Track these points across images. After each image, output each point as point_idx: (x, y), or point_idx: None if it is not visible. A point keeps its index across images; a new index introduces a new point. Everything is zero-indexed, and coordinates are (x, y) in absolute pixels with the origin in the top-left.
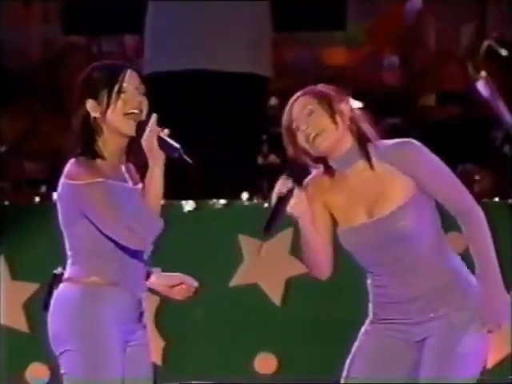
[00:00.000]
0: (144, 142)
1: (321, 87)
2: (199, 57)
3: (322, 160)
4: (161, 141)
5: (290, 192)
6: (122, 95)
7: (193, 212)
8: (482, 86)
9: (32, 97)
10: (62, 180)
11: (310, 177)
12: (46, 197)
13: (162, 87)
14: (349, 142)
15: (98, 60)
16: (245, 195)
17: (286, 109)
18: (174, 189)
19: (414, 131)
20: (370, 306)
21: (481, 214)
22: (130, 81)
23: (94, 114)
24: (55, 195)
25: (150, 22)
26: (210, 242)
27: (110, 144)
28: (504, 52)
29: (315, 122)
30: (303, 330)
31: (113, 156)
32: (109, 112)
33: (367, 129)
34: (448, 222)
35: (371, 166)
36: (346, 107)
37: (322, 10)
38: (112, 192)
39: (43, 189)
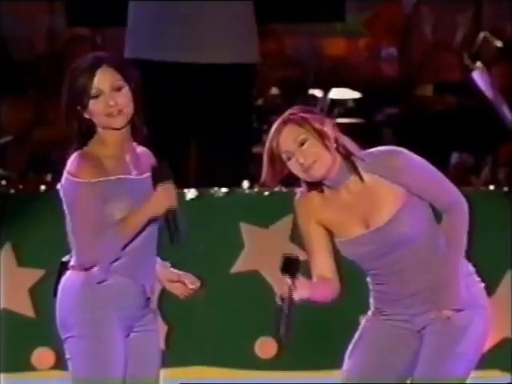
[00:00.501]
0: (160, 189)
1: (300, 112)
2: (183, 50)
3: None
4: (172, 216)
5: (290, 289)
6: (100, 98)
7: (195, 200)
8: (477, 76)
9: (38, 87)
10: (64, 173)
11: (298, 197)
12: (52, 185)
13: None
14: (338, 161)
15: (102, 50)
16: (245, 184)
17: (270, 137)
18: (177, 178)
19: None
20: (371, 300)
21: (465, 207)
22: (104, 80)
23: (85, 116)
24: (60, 185)
25: (133, 7)
26: (212, 229)
27: (107, 138)
28: (499, 43)
29: (310, 152)
30: (302, 315)
31: (114, 147)
32: (93, 117)
33: (350, 144)
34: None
35: (361, 180)
36: (328, 128)
37: (322, 2)
38: (109, 189)
39: (48, 177)
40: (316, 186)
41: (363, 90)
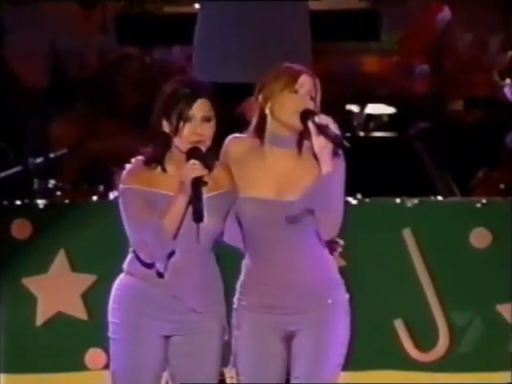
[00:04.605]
0: (183, 173)
1: (315, 77)
2: (240, 70)
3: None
4: (195, 187)
5: None
6: (188, 123)
7: None
8: (507, 92)
9: (89, 102)
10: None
11: (232, 137)
12: (104, 196)
13: None
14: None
15: (150, 68)
16: None
17: (288, 69)
18: None
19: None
20: (243, 288)
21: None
22: (199, 110)
23: (167, 131)
24: (112, 194)
25: (197, 32)
26: None
27: (176, 158)
28: None
29: (311, 107)
30: None
31: (175, 168)
32: (176, 137)
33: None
34: (474, 218)
35: (299, 153)
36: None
37: (359, 22)
38: (148, 200)
39: (101, 188)
40: (262, 132)
41: (397, 105)
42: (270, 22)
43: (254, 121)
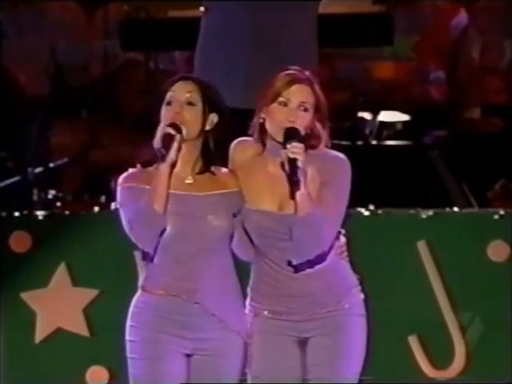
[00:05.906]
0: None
1: (316, 85)
2: (242, 96)
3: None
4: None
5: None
6: (168, 106)
7: None
8: None
9: (92, 110)
10: None
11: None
12: (105, 206)
13: None
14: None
15: (155, 75)
16: None
17: (284, 77)
18: None
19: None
20: (254, 294)
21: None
22: (178, 91)
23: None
24: (113, 205)
25: (202, 37)
26: None
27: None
28: None
29: (303, 120)
30: None
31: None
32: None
33: (325, 136)
34: (491, 231)
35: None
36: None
37: (371, 26)
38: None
39: (102, 199)
40: (262, 140)
41: (412, 113)
42: (277, 23)
43: (256, 128)
